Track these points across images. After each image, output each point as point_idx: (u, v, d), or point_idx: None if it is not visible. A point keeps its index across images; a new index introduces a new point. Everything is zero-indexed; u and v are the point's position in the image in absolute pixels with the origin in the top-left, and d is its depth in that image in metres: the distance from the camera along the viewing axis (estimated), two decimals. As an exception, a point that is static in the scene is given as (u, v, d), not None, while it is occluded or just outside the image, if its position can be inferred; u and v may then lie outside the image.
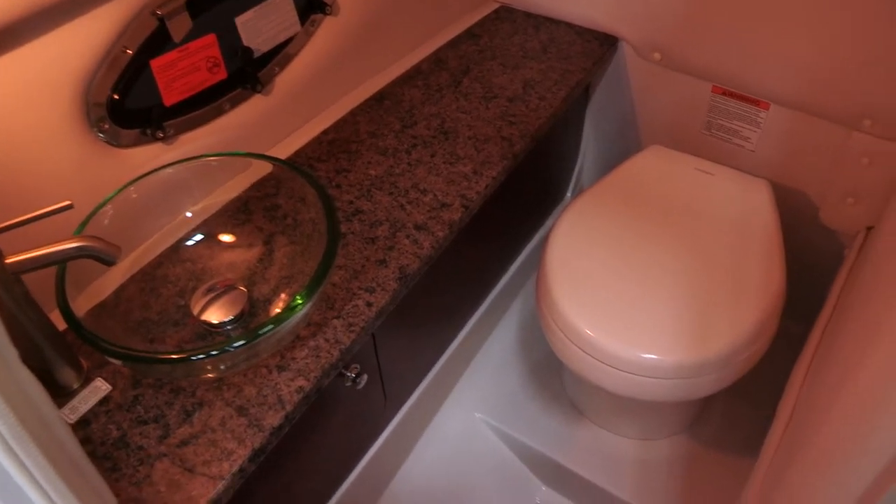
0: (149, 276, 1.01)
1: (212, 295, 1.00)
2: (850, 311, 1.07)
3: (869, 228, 1.43)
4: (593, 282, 1.29)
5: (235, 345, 0.83)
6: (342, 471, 1.27)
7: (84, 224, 0.93)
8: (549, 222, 1.83)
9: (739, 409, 1.60)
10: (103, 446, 0.87)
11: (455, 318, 1.50)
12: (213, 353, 0.83)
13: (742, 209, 1.42)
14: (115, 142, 1.02)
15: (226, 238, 1.07)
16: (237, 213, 1.08)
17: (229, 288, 1.01)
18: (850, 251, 1.41)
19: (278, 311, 0.97)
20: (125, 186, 0.98)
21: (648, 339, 1.21)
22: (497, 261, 1.63)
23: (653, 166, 1.53)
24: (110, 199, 0.96)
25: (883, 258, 1.04)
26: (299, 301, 0.87)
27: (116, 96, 0.99)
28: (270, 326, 0.84)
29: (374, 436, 1.33)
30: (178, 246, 1.05)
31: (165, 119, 1.08)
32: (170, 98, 1.07)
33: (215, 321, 0.97)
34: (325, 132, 1.30)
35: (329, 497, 1.26)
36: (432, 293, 1.30)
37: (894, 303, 0.82)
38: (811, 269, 1.60)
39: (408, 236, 1.11)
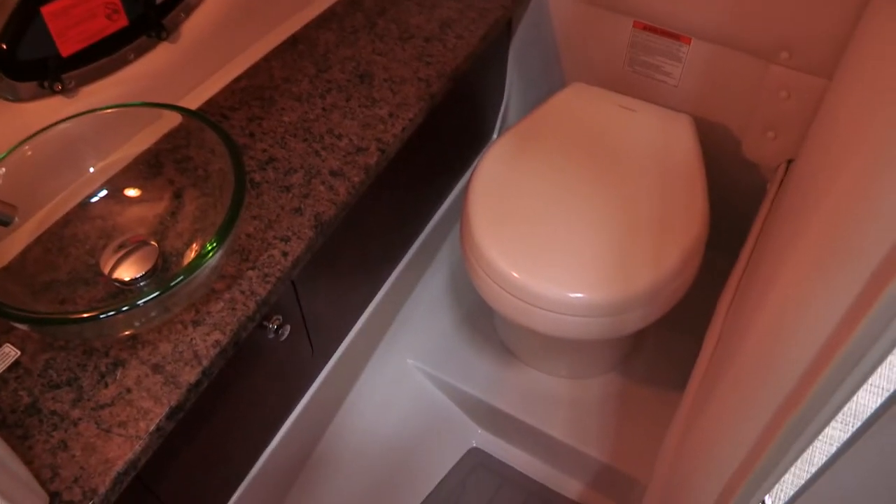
0: (56, 237, 0.97)
1: (122, 252, 0.97)
2: (771, 242, 1.09)
3: (789, 161, 1.45)
4: (516, 222, 1.28)
5: (146, 299, 0.80)
6: (273, 424, 1.26)
7: (-25, 186, 0.89)
8: (475, 164, 1.81)
9: (671, 342, 1.63)
10: (14, 414, 0.84)
11: (382, 265, 1.48)
12: (124, 308, 0.80)
13: (665, 145, 1.42)
14: (10, 96, 0.97)
15: (135, 193, 1.03)
16: (148, 167, 1.04)
17: (140, 244, 0.97)
18: (771, 184, 1.42)
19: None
20: (18, 145, 0.93)
21: (574, 278, 1.21)
22: (423, 205, 1.61)
23: (575, 104, 1.52)
24: (2, 158, 0.92)
25: (799, 190, 1.05)
26: (210, 249, 0.85)
27: (4, 46, 0.93)
28: (181, 277, 0.82)
29: (304, 387, 1.32)
30: (86, 203, 1.01)
31: (64, 70, 1.02)
32: (66, 48, 1.01)
33: (127, 278, 0.94)
34: (237, 79, 1.26)
35: (261, 451, 1.24)
36: (355, 241, 1.28)
37: (800, 231, 0.82)
38: (735, 202, 1.62)
39: (323, 183, 1.08)
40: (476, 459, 1.56)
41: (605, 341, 1.48)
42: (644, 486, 1.39)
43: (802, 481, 0.77)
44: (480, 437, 1.59)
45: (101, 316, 0.79)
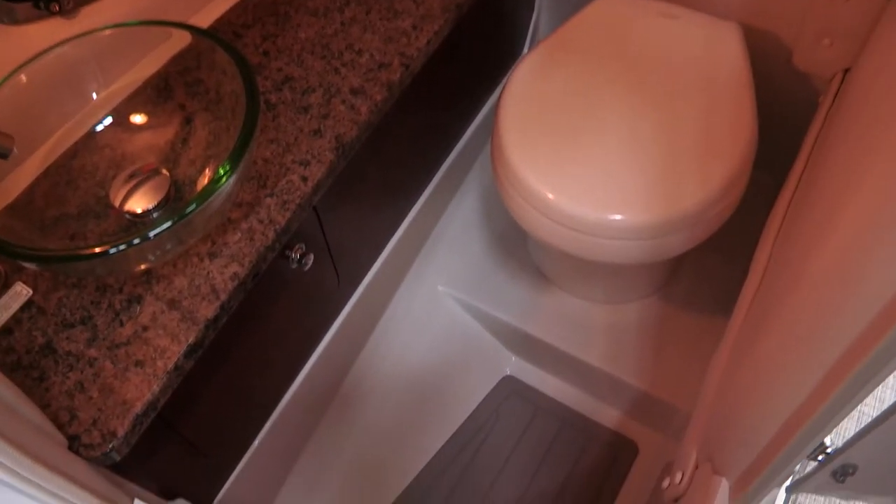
0: (63, 169, 0.92)
1: (133, 182, 0.92)
2: (827, 160, 1.00)
3: (846, 71, 1.35)
4: (551, 140, 1.21)
5: (157, 230, 0.75)
6: (300, 356, 1.22)
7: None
8: (505, 81, 1.72)
9: (712, 267, 1.55)
10: (29, 355, 0.81)
11: (409, 189, 1.42)
12: (135, 241, 0.75)
13: (709, 55, 1.33)
14: (5, 18, 0.90)
15: (144, 119, 0.97)
16: (156, 92, 0.98)
17: (152, 173, 0.92)
18: (825, 97, 1.32)
19: (204, 189, 0.89)
20: (13, 72, 0.87)
21: (614, 199, 1.14)
22: (451, 125, 1.54)
23: (612, 13, 1.42)
24: (-4, 86, 0.86)
25: (862, 102, 0.96)
26: (223, 174, 0.79)
27: (-5, -39, 0.86)
28: (194, 205, 0.77)
29: (332, 318, 1.27)
30: (93, 133, 0.95)
31: (61, -13, 0.95)
32: (62, -38, 0.94)
33: (139, 210, 0.89)
34: (250, -6, 1.18)
35: (288, 384, 1.21)
36: (379, 164, 1.21)
37: (875, 147, 0.74)
38: (784, 117, 1.52)
39: (343, 102, 1.01)
40: (510, 387, 1.53)
41: (644, 266, 1.42)
42: (684, 414, 1.34)
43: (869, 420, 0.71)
44: (514, 365, 1.55)
45: (111, 251, 0.75)
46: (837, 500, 1.08)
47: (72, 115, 0.94)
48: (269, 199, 0.91)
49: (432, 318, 1.55)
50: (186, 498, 1.02)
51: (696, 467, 0.99)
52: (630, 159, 1.17)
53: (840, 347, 0.61)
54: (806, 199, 1.01)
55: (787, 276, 0.90)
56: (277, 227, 0.89)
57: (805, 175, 1.16)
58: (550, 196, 1.15)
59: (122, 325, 0.82)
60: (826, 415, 0.65)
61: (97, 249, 0.75)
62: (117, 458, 0.78)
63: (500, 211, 1.66)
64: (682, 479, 1.00)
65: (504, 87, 1.30)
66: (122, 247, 0.75)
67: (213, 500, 1.10)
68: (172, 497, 1.00)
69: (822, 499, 1.08)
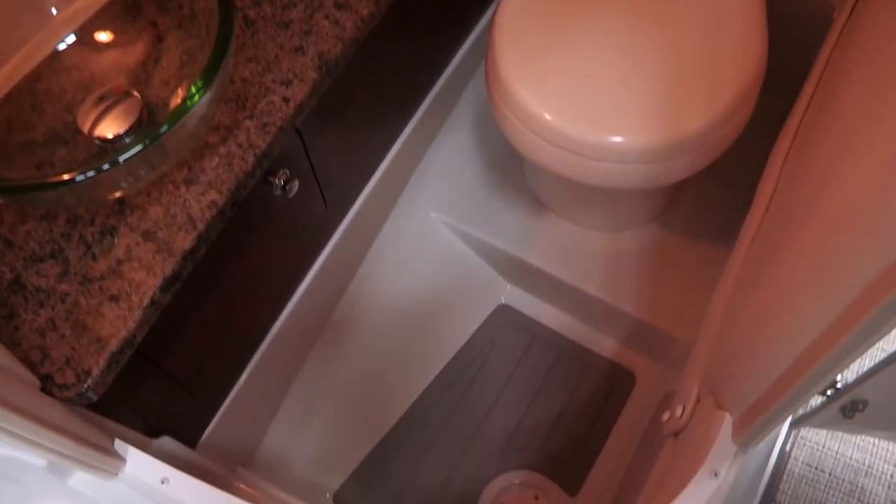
0: (27, 92, 0.85)
1: (103, 106, 0.85)
2: (843, 82, 0.94)
3: (862, -18, 1.27)
4: (549, 59, 1.14)
5: (127, 155, 0.70)
6: (289, 287, 1.18)
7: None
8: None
9: (713, 194, 1.50)
10: (-4, 291, 0.76)
11: (399, 111, 1.35)
12: (104, 167, 0.70)
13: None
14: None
15: (113, 38, 0.90)
16: (125, 8, 0.90)
17: (123, 96, 0.86)
18: (839, 13, 1.25)
19: (177, 109, 0.83)
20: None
21: (614, 120, 1.09)
22: (443, 42, 1.46)
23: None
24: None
25: (886, 16, 0.89)
26: (195, 91, 0.73)
27: None
28: (166, 126, 0.72)
29: (320, 246, 1.22)
30: (57, 53, 0.88)
31: None
32: None
33: (110, 135, 0.83)
34: None
35: (277, 315, 1.17)
36: (367, 84, 1.15)
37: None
38: (794, 35, 1.45)
39: (327, 17, 0.94)
40: (505, 316, 1.49)
41: (645, 191, 1.37)
42: (683, 345, 1.31)
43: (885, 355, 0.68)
44: (510, 294, 1.51)
45: (79, 178, 0.70)
46: (841, 434, 1.07)
47: (31, 36, 0.87)
48: (248, 122, 0.85)
49: (425, 247, 1.50)
50: (173, 435, 0.99)
51: (698, 401, 0.96)
52: (632, 79, 1.11)
53: (863, 281, 0.57)
54: (819, 123, 0.96)
55: (798, 206, 0.85)
56: (258, 151, 0.83)
57: (816, 97, 1.10)
58: (548, 117, 1.09)
59: (94, 258, 0.78)
60: (844, 350, 0.62)
61: (65, 177, 0.70)
62: (94, 397, 0.74)
63: (495, 134, 1.60)
64: (682, 412, 0.97)
65: (498, 4, 1.23)
66: (91, 173, 0.69)
67: (200, 436, 1.07)
68: (158, 435, 0.97)
69: (824, 432, 1.06)
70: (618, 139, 1.07)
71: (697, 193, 1.51)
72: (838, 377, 0.72)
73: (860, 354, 0.62)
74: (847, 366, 0.64)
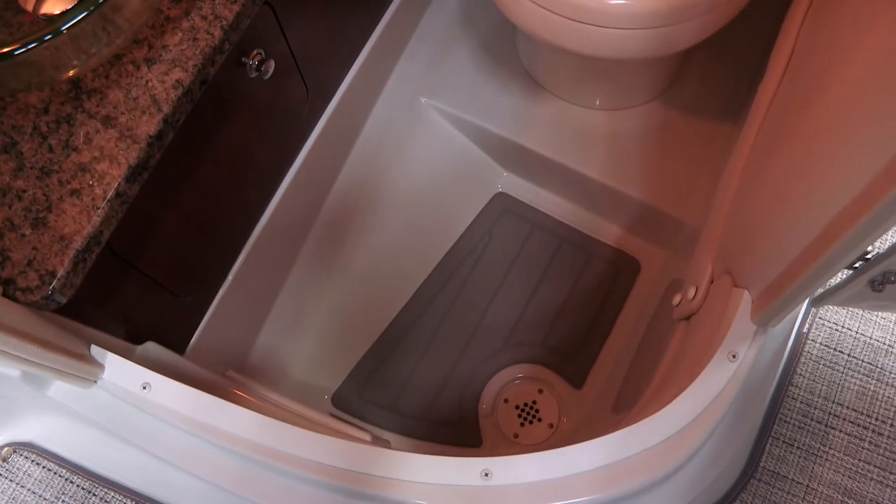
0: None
1: (48, -20, 0.76)
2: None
3: None
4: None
5: (70, 22, 0.63)
6: (272, 179, 1.10)
7: None
8: None
9: (719, 71, 1.41)
10: (-55, 190, 0.69)
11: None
12: (47, 37, 0.63)
13: None
14: None
15: None
16: None
17: (69, -32, 0.76)
18: None
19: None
20: None
21: (616, -18, 0.99)
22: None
23: None
24: None
25: None
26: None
27: None
28: None
29: (303, 135, 1.14)
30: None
31: None
32: None
33: (57, 11, 0.74)
34: None
35: (262, 208, 1.10)
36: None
37: None
38: None
39: None
40: (503, 205, 1.43)
41: (647, 64, 1.28)
42: (690, 228, 1.25)
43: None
44: (507, 181, 1.44)
45: (18, 51, 0.62)
46: (861, 313, 1.02)
47: None
48: (212, -9, 0.76)
49: (415, 135, 1.42)
50: (159, 341, 0.94)
51: (712, 282, 0.91)
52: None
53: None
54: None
55: (821, 69, 0.78)
56: (224, 23, 0.74)
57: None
58: (544, -20, 1.00)
59: (51, 150, 0.70)
60: (880, 217, 0.55)
61: (3, 50, 0.62)
62: (62, 300, 0.68)
63: (485, 11, 1.49)
64: (695, 294, 0.92)
65: None
66: (33, 45, 0.62)
67: (188, 342, 1.02)
68: (142, 341, 0.92)
69: (842, 310, 1.01)
70: (620, 1, 0.99)
71: (701, 70, 1.41)
72: (869, 248, 0.66)
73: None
74: (882, 234, 0.58)
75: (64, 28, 0.61)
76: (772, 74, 0.96)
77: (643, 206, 1.32)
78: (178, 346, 1.01)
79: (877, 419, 0.96)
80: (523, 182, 1.44)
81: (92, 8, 0.62)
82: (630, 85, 1.35)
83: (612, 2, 0.98)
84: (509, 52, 1.45)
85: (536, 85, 1.41)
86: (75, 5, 0.72)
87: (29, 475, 1.01)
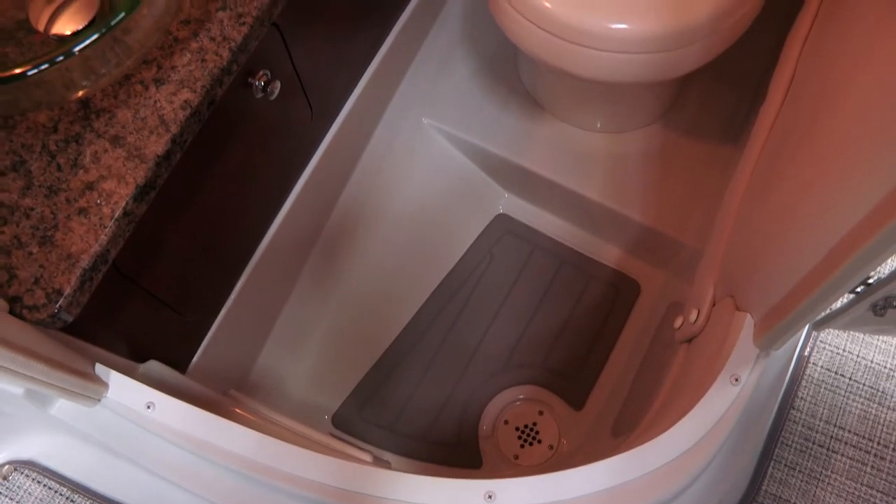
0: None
1: (59, 1, 0.77)
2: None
3: None
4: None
5: (83, 44, 0.64)
6: (275, 198, 1.11)
7: None
8: None
9: (719, 93, 1.42)
10: (-46, 207, 0.69)
11: (386, 8, 1.26)
12: (59, 59, 0.65)
13: None
14: None
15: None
16: None
17: (80, -11, 0.77)
18: None
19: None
20: None
21: (618, 6, 1.01)
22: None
23: None
24: None
25: None
26: (156, -20, 0.66)
27: None
28: (123, 13, 0.66)
29: (307, 155, 1.15)
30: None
31: None
32: None
33: (68, 32, 0.75)
34: None
35: (265, 228, 1.10)
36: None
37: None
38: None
39: None
40: (504, 226, 1.43)
41: (648, 87, 1.30)
42: (690, 251, 1.26)
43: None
44: (508, 202, 1.45)
45: (31, 71, 0.63)
46: (862, 337, 1.03)
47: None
48: (221, 13, 0.77)
49: (418, 155, 1.43)
50: (161, 360, 0.94)
51: (714, 304, 0.92)
52: (637, -38, 1.03)
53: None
54: (844, 1, 0.88)
55: (824, 93, 0.78)
56: (233, 44, 0.75)
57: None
58: (546, 4, 1.01)
59: (59, 168, 0.71)
60: (884, 242, 0.56)
61: (17, 71, 0.63)
62: (69, 318, 0.69)
63: (487, 33, 1.51)
64: (697, 317, 0.92)
65: None
66: (45, 66, 0.63)
67: (190, 361, 1.02)
68: (146, 360, 0.92)
69: (843, 334, 1.02)
70: (622, 26, 1.00)
71: (701, 92, 1.43)
72: (872, 272, 0.66)
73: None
74: (887, 259, 0.59)
75: (76, 49, 0.62)
76: (773, 97, 0.97)
77: (643, 228, 1.32)
78: (181, 364, 1.01)
79: (879, 443, 0.96)
80: (524, 203, 1.45)
81: (104, 30, 0.63)
82: (631, 108, 1.36)
83: (614, 26, 1.00)
84: (511, 73, 1.47)
85: (538, 107, 1.43)
86: (87, 26, 0.73)
87: (30, 493, 1.01)
